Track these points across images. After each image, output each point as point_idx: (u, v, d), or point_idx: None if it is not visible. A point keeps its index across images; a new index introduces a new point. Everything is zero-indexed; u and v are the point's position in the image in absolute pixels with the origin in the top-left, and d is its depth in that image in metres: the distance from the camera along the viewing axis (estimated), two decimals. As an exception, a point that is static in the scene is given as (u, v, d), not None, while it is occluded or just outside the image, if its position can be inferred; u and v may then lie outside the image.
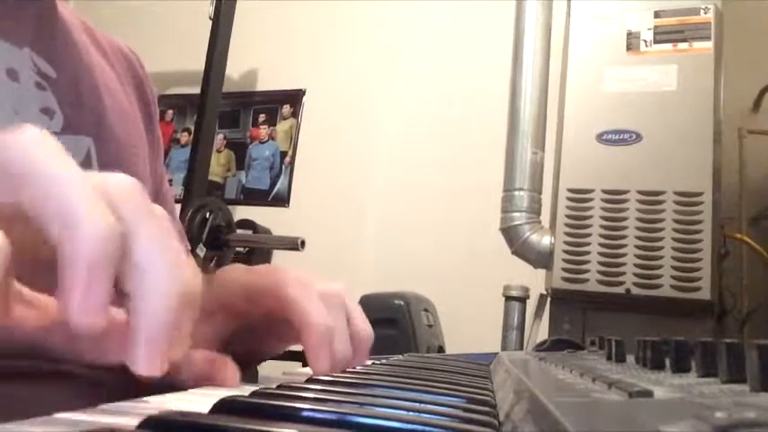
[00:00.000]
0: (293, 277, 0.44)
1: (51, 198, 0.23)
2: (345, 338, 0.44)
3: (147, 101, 0.65)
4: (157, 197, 0.65)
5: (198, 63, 2.75)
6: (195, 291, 0.27)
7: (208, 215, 2.45)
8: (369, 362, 0.55)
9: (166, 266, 0.24)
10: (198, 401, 0.26)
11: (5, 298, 0.24)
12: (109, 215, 0.23)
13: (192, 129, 2.96)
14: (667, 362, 0.33)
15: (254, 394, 0.27)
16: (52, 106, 0.51)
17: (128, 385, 0.39)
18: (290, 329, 0.43)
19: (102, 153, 0.54)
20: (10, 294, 0.27)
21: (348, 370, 0.44)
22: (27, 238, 0.25)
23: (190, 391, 0.33)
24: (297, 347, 0.47)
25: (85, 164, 0.52)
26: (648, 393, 0.22)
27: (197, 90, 2.75)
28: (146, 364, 0.24)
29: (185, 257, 0.26)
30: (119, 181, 0.26)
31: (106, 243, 0.23)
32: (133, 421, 0.20)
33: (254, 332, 0.48)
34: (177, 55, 3.05)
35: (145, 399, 0.28)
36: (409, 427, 0.22)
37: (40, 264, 0.26)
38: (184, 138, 3.21)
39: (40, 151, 0.24)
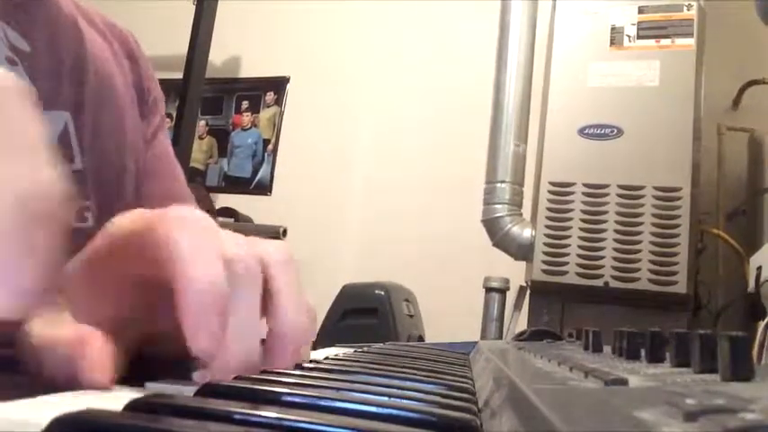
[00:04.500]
0: (181, 215, 0.30)
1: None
2: (247, 322, 0.30)
3: (139, 76, 0.64)
4: (158, 166, 0.63)
5: (180, 48, 2.72)
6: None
7: (189, 202, 2.44)
8: (350, 350, 0.55)
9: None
10: (181, 385, 0.26)
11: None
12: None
13: (174, 115, 2.93)
14: (643, 352, 0.34)
15: (237, 378, 0.27)
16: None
17: None
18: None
19: (83, 126, 0.53)
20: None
21: (329, 357, 0.44)
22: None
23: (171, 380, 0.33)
24: None
25: (62, 139, 0.51)
26: (623, 381, 0.22)
27: (179, 75, 2.72)
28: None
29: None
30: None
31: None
32: (118, 404, 0.20)
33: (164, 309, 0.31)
34: (160, 39, 3.01)
35: (127, 384, 0.29)
36: (387, 411, 0.22)
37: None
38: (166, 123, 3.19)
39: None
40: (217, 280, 0.28)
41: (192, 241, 0.29)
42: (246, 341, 0.30)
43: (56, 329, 0.30)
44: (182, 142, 2.64)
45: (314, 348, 0.51)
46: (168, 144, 0.66)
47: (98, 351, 0.28)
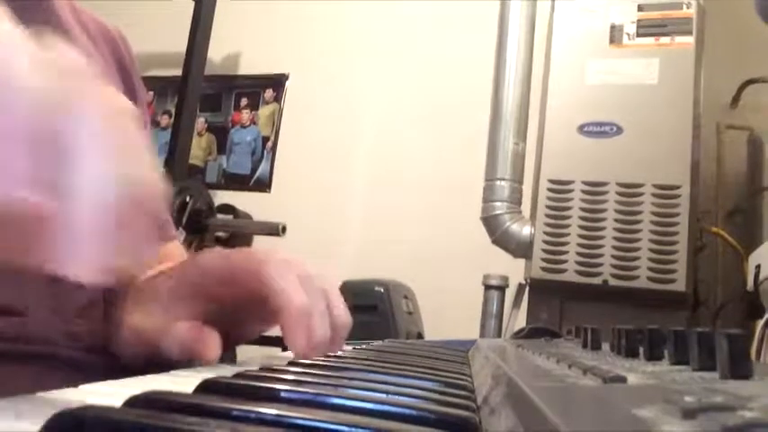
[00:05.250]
0: (275, 259, 0.45)
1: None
2: (324, 319, 0.45)
3: (131, 86, 0.63)
4: None
5: (180, 45, 2.72)
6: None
7: (188, 199, 2.44)
8: (348, 347, 0.55)
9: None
10: (180, 382, 0.26)
11: None
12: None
13: (173, 111, 2.93)
14: (641, 350, 0.34)
15: (236, 376, 0.27)
16: None
17: (109, 368, 0.39)
18: (272, 310, 0.44)
19: None
20: None
21: (328, 354, 0.44)
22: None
23: (171, 372, 0.33)
24: (277, 332, 0.47)
25: None
26: (622, 379, 0.22)
27: (178, 72, 2.72)
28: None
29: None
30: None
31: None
32: (117, 400, 0.20)
33: (234, 314, 0.48)
34: (159, 36, 3.02)
35: (126, 380, 0.29)
36: (386, 408, 0.22)
37: None
38: (165, 120, 3.18)
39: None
40: (304, 302, 0.43)
41: (292, 279, 0.44)
42: (324, 325, 0.44)
43: (161, 322, 0.45)
44: (181, 139, 2.64)
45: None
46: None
47: (209, 334, 0.44)
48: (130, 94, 0.63)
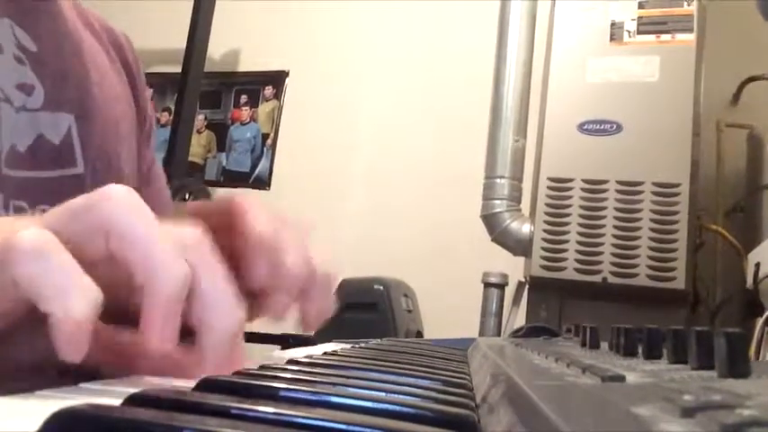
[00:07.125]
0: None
1: (137, 251, 0.29)
2: (301, 254, 0.41)
3: (136, 89, 0.64)
4: (147, 179, 0.64)
5: (179, 41, 2.71)
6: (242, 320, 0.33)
7: (187, 196, 2.44)
8: (348, 346, 0.55)
9: (227, 304, 0.31)
10: (179, 380, 0.26)
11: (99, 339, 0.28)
12: (182, 263, 0.29)
13: (173, 108, 2.92)
14: (640, 349, 0.34)
15: (235, 374, 0.27)
16: (30, 81, 0.50)
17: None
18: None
19: (85, 130, 0.53)
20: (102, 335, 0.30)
21: (327, 352, 0.44)
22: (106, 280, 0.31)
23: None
24: (277, 329, 0.46)
25: (66, 141, 0.52)
26: (620, 378, 0.23)
27: (178, 69, 2.72)
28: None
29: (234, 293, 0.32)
30: (190, 232, 0.32)
31: (178, 285, 0.29)
32: (116, 399, 0.20)
33: None
34: (158, 33, 3.01)
35: (125, 378, 0.29)
36: (384, 407, 0.22)
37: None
38: (164, 117, 3.18)
39: (129, 214, 0.30)
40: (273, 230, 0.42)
41: (258, 210, 0.44)
42: (300, 258, 0.42)
43: None
44: (180, 136, 2.64)
45: (313, 343, 0.52)
46: (159, 168, 0.67)
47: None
48: (135, 96, 0.64)
